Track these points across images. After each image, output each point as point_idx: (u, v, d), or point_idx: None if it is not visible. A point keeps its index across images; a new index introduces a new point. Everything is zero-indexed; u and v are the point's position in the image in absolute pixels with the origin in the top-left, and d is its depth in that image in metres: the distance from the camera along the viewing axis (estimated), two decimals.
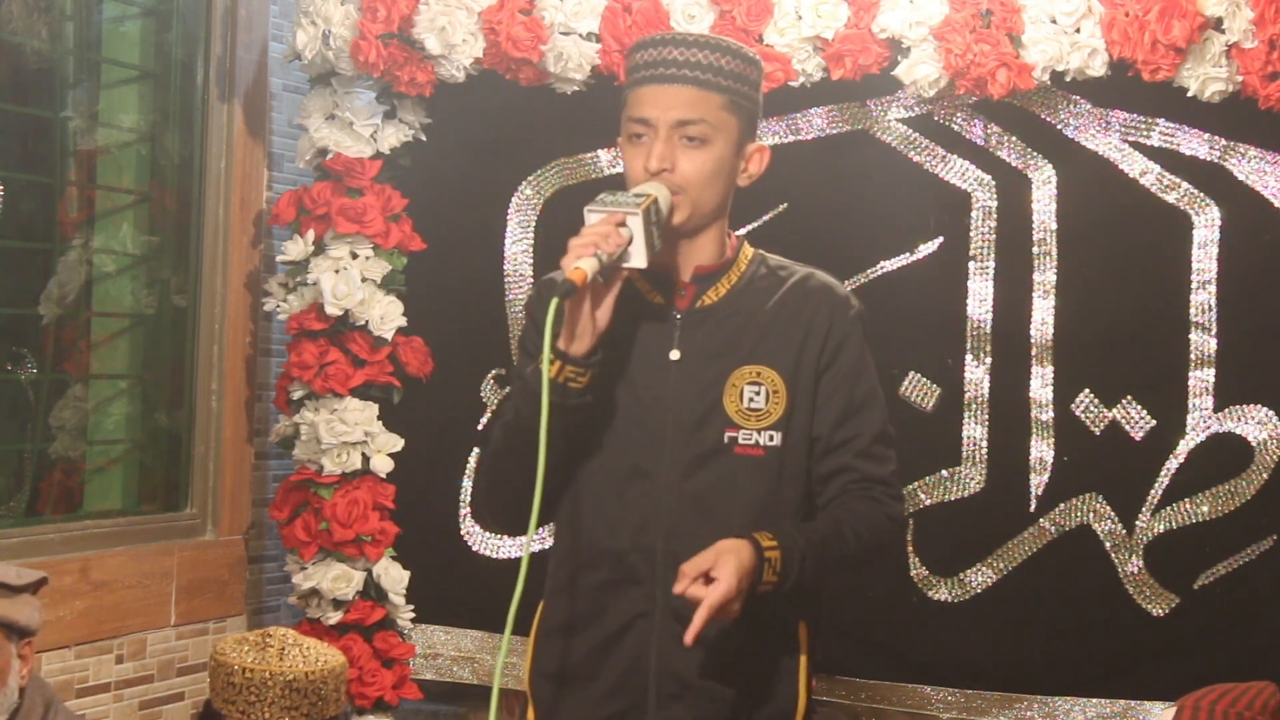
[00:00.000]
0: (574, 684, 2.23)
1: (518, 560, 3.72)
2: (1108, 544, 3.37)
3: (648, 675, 2.19)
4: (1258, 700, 2.01)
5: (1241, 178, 3.28)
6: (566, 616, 2.24)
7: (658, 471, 2.19)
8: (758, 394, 2.19)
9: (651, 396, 2.20)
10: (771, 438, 2.19)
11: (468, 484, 3.79)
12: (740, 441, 2.18)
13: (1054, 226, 3.40)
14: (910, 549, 3.48)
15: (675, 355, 2.21)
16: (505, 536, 3.76)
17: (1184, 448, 3.33)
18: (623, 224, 2.07)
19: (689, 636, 2.00)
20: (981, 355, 3.44)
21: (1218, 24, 3.12)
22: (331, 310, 3.66)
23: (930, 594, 3.48)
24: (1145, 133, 3.33)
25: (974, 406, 3.45)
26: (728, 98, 2.18)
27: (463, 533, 3.80)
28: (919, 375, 3.47)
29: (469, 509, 3.80)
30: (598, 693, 2.21)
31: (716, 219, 2.25)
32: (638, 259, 2.09)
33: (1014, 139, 3.42)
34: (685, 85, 2.16)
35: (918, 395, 3.47)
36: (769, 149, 2.28)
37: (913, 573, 3.48)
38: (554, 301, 2.00)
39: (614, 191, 2.13)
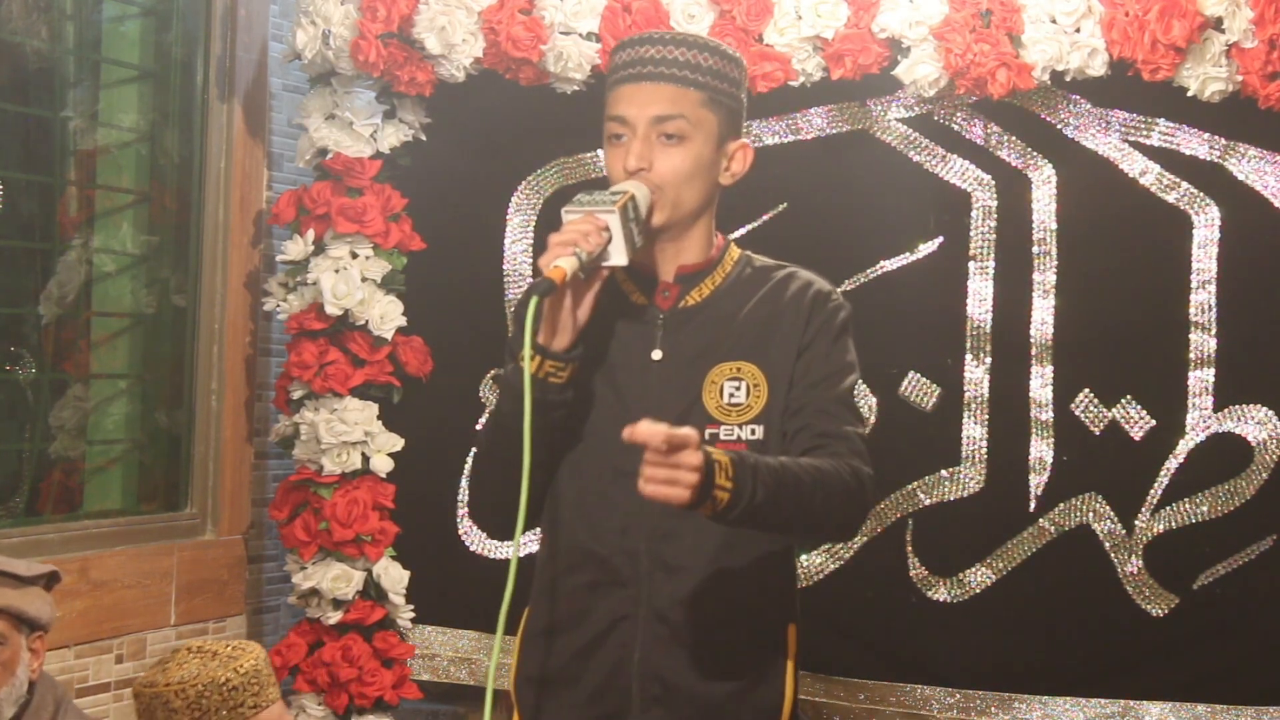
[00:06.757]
0: (558, 688, 2.19)
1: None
2: (1107, 544, 3.37)
3: (631, 678, 2.15)
4: None
5: (1241, 177, 3.28)
6: (551, 620, 2.20)
7: (639, 472, 2.17)
8: (738, 389, 2.16)
9: (633, 396, 2.16)
10: (753, 431, 2.15)
11: (466, 484, 3.79)
12: (722, 437, 2.14)
13: (1054, 226, 3.40)
14: (909, 549, 3.48)
15: (657, 355, 2.18)
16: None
17: (1184, 448, 3.33)
18: (602, 224, 2.06)
19: (640, 432, 1.86)
20: (981, 355, 3.44)
21: (1218, 24, 3.12)
22: (331, 310, 3.66)
23: (929, 594, 3.47)
24: (1145, 132, 3.33)
25: (974, 406, 3.45)
26: (706, 94, 2.15)
27: (460, 533, 3.80)
28: (919, 375, 3.47)
29: (466, 509, 3.79)
30: (581, 697, 2.17)
31: (699, 218, 2.21)
32: (618, 257, 2.07)
33: (1014, 139, 3.42)
34: (662, 82, 2.13)
35: (917, 395, 3.47)
36: (752, 147, 2.24)
37: (912, 573, 3.48)
38: (533, 300, 1.97)
39: (590, 191, 2.11)
